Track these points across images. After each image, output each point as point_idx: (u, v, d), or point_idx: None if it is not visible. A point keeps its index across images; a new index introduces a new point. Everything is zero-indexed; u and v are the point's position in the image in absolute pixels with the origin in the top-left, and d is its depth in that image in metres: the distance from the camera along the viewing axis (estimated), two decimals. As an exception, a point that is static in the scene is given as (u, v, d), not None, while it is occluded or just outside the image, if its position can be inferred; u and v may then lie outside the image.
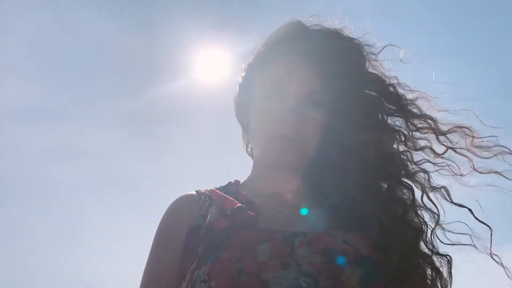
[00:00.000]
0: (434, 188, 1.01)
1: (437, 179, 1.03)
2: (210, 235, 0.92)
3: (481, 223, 0.98)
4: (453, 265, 0.98)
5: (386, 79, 1.07)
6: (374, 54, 1.08)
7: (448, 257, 0.98)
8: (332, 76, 1.02)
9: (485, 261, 0.98)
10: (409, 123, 1.05)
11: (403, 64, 1.08)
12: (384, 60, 1.08)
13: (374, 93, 1.06)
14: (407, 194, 1.01)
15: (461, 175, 1.02)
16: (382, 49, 1.08)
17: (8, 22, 5.27)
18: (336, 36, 1.08)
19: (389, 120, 1.06)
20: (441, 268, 0.97)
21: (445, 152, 1.03)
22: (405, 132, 1.05)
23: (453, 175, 1.02)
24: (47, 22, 5.40)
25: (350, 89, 1.03)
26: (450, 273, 0.97)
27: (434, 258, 0.98)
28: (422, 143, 1.04)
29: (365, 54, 1.08)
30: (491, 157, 1.01)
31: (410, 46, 1.09)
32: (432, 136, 1.04)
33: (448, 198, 1.01)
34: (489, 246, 0.98)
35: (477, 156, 1.02)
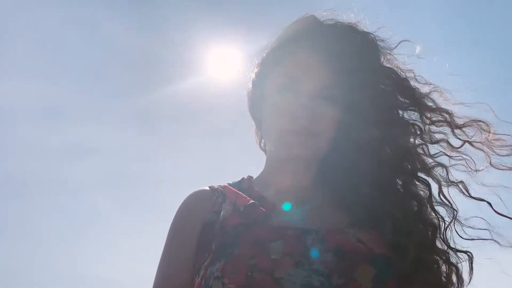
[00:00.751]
0: (452, 183, 1.00)
1: (454, 174, 1.01)
2: (223, 232, 0.92)
3: (502, 217, 0.96)
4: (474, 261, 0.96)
5: (401, 73, 1.05)
6: (389, 49, 1.07)
7: (469, 253, 0.97)
8: (345, 72, 1.01)
9: (506, 258, 0.96)
10: (424, 117, 1.03)
11: (418, 58, 1.06)
12: (399, 54, 1.07)
13: (388, 88, 1.04)
14: (424, 189, 1.00)
15: (477, 170, 1.00)
16: (397, 45, 1.07)
17: (22, 22, 5.35)
18: (351, 30, 1.06)
19: (405, 115, 1.05)
20: (458, 265, 0.96)
21: (462, 145, 1.01)
22: (420, 125, 1.03)
23: (469, 171, 1.00)
24: (60, 22, 5.46)
25: (363, 85, 1.02)
26: (471, 269, 0.96)
27: (451, 254, 0.97)
28: (438, 136, 1.03)
29: (379, 48, 1.06)
30: (509, 155, 0.99)
31: (425, 38, 1.08)
32: (447, 130, 1.02)
33: (466, 193, 0.99)
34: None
35: (494, 152, 1.00)
